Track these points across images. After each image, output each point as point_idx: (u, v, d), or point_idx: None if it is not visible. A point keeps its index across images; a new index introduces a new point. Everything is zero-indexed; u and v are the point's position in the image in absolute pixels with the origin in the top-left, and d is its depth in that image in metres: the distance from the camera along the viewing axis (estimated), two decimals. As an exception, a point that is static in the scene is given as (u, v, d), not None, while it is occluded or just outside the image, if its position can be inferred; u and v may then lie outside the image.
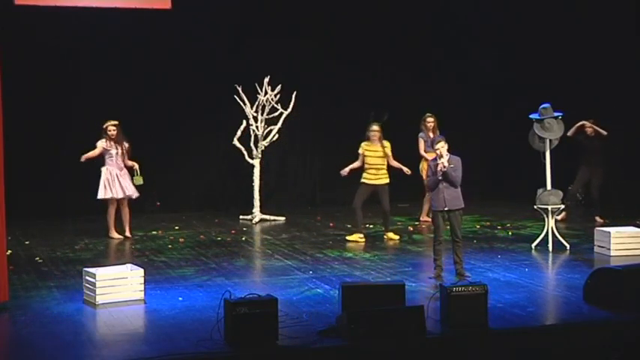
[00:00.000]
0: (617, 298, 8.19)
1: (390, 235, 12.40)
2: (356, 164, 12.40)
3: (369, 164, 12.31)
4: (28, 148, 13.81)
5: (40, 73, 14.02)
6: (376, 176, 12.30)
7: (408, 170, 12.54)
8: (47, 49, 14.11)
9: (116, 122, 12.55)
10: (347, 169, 12.47)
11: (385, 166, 12.36)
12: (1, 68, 8.63)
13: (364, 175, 12.36)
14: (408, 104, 15.78)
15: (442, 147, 9.43)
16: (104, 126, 12.51)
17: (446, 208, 9.47)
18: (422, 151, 13.36)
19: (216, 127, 15.11)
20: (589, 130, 13.41)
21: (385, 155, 12.32)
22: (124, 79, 14.51)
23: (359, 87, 15.77)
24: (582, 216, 13.82)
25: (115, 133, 12.49)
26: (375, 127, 12.32)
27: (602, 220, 13.24)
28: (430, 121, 13.47)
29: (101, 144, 12.46)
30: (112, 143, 12.48)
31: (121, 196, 12.48)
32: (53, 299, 8.99)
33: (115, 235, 12.54)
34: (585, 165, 13.53)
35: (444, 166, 9.34)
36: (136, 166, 12.62)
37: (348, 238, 12.30)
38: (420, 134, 13.46)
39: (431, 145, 12.06)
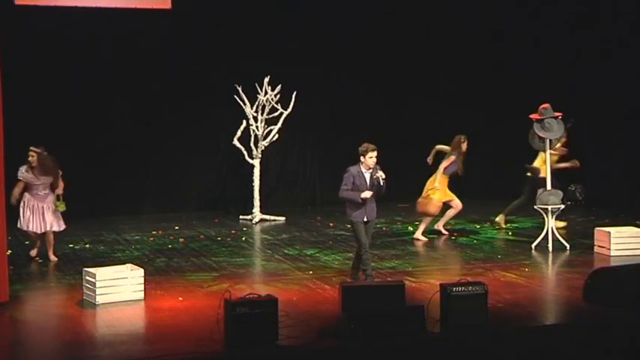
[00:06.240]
0: (617, 298, 8.19)
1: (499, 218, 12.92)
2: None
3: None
4: (28, 148, 13.76)
5: (40, 73, 13.99)
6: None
7: (576, 162, 12.65)
8: (47, 49, 14.10)
9: (37, 150, 10.67)
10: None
11: None
12: (1, 68, 8.63)
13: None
14: (406, 105, 15.82)
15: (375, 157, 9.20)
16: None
17: (365, 219, 9.27)
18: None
19: (216, 127, 15.11)
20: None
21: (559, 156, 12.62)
22: (123, 78, 14.50)
23: (359, 87, 15.77)
24: (582, 216, 13.83)
25: (34, 159, 10.61)
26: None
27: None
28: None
29: (22, 174, 10.70)
30: (31, 173, 10.69)
31: (39, 231, 10.82)
32: (53, 299, 9.00)
33: (34, 252, 11.04)
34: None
35: (382, 178, 9.12)
36: (61, 192, 10.85)
37: (558, 225, 12.19)
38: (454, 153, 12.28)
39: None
